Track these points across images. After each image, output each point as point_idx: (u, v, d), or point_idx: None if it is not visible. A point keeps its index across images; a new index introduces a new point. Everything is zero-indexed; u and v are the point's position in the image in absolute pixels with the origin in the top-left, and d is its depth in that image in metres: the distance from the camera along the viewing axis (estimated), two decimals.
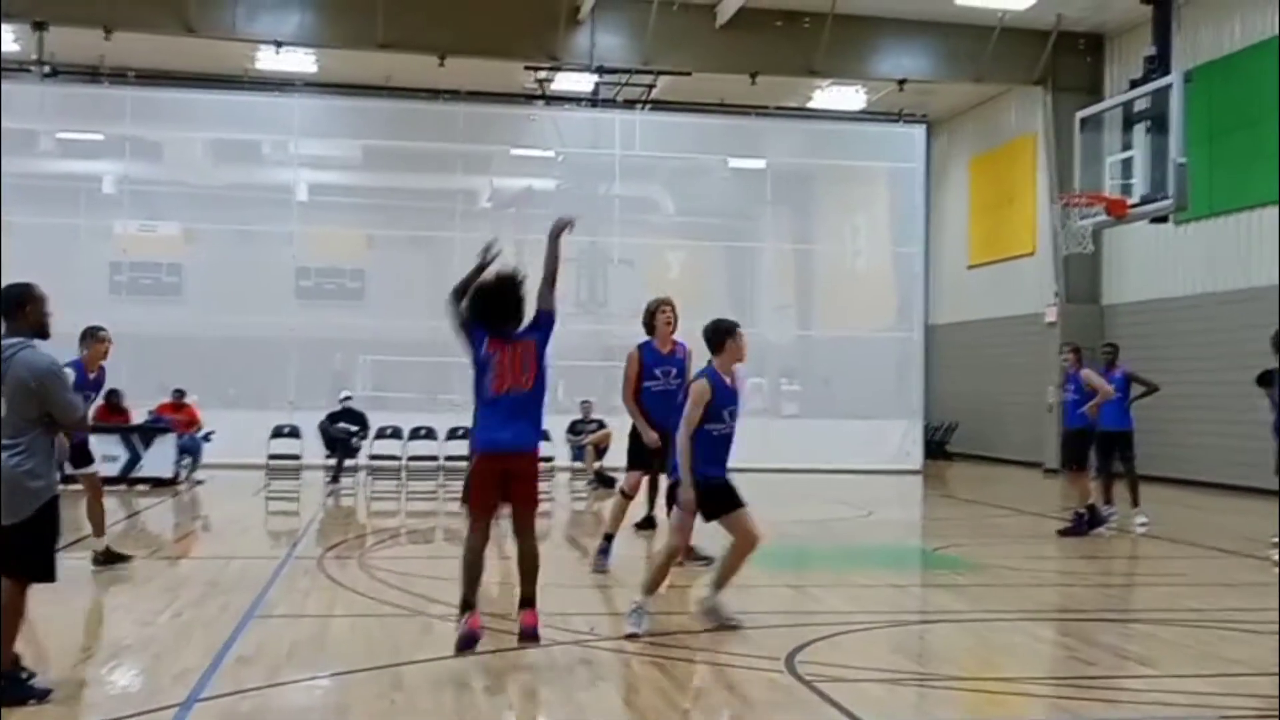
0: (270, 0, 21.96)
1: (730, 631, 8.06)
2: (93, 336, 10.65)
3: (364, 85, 25.36)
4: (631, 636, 7.75)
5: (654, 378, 11.00)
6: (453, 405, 23.42)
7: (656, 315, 11.28)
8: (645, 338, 11.32)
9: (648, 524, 12.78)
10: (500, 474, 7.04)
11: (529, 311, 7.25)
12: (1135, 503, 14.72)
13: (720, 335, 8.18)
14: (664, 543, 8.47)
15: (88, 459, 10.53)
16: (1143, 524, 14.41)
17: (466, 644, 6.94)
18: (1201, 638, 8.56)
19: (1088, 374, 14.21)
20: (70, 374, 10.07)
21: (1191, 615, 9.26)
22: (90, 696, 6.51)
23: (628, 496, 11.12)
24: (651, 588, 8.14)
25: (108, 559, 10.42)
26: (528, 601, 7.10)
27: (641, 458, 11.05)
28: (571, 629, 7.95)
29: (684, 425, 7.90)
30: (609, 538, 10.86)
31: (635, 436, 11.06)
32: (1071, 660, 7.85)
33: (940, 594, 10.65)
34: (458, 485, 18.58)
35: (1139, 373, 15.24)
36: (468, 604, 7.00)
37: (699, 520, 8.19)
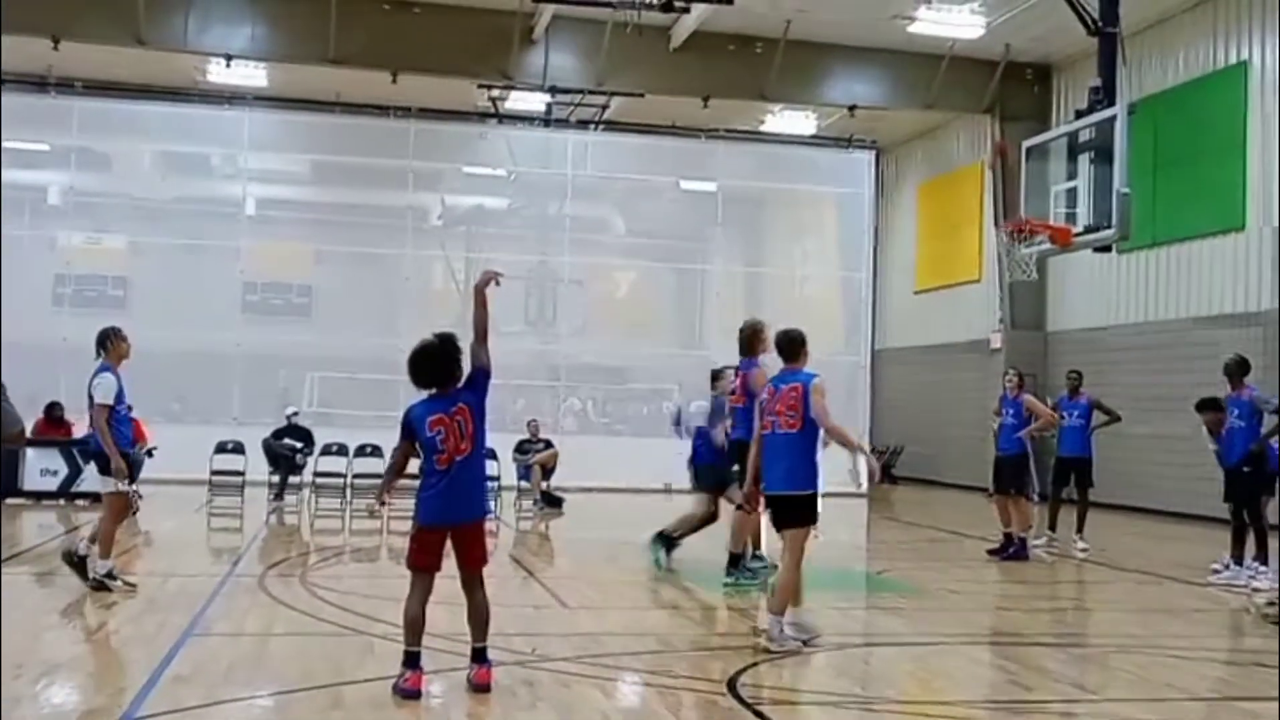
0: (221, 13, 21.80)
1: (672, 654, 8.05)
2: (116, 336, 10.33)
3: (315, 100, 25.24)
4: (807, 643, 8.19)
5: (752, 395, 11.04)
6: (399, 422, 23.28)
7: (761, 336, 11.41)
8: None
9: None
10: (444, 540, 7.01)
11: (466, 365, 7.28)
12: (1080, 529, 14.88)
13: (797, 345, 9.11)
14: (785, 562, 8.60)
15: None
16: (1082, 549, 14.56)
17: (407, 697, 6.76)
18: (1139, 663, 8.65)
19: (1030, 400, 14.41)
20: (112, 380, 9.95)
21: (1129, 640, 9.36)
22: (22, 715, 6.40)
23: (749, 512, 11.08)
24: (782, 607, 8.31)
25: (97, 585, 10.05)
26: (479, 656, 6.99)
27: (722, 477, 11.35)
28: (513, 650, 7.92)
29: (830, 418, 8.38)
30: (736, 557, 11.22)
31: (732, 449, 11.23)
32: (1011, 685, 7.91)
33: (883, 617, 10.70)
34: (404, 504, 18.52)
35: (1102, 401, 15.47)
36: (411, 659, 6.86)
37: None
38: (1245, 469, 12.34)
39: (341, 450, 19.94)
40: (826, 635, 9.41)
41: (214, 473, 19.42)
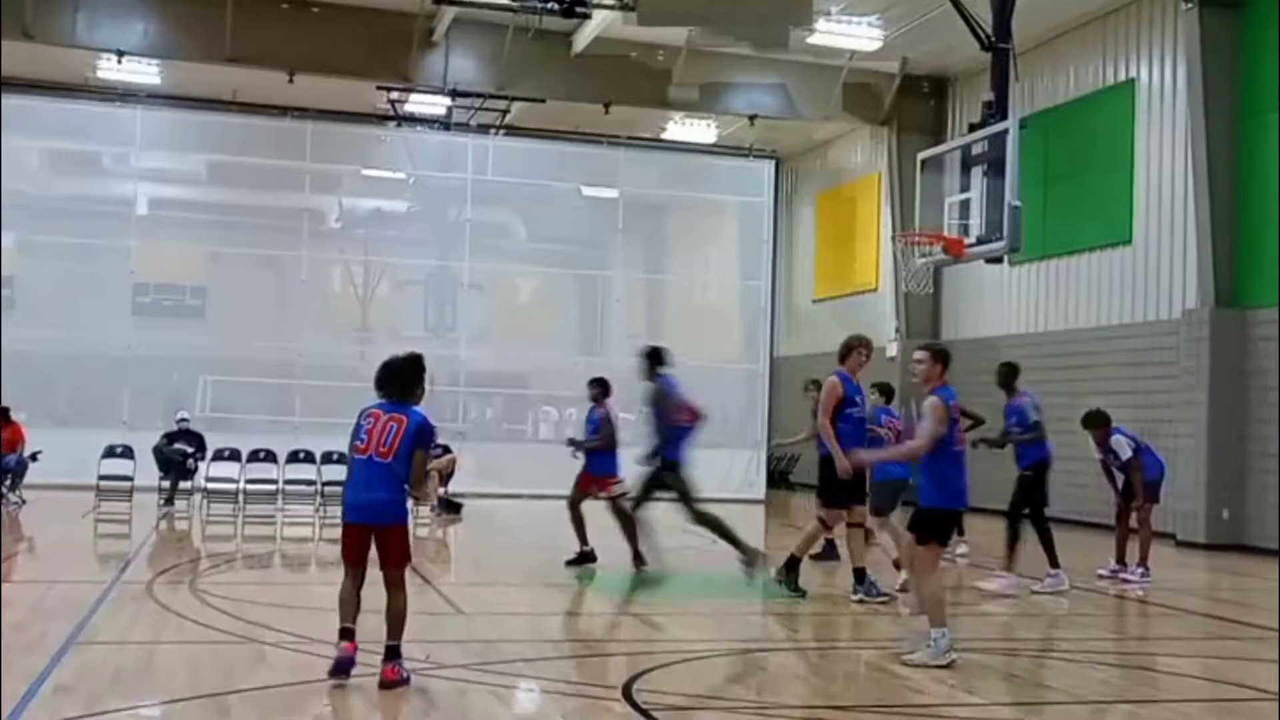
0: (112, 8, 21.34)
1: (568, 660, 8.03)
2: None
3: (210, 99, 24.81)
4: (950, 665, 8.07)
5: (854, 404, 11.13)
6: (294, 427, 23.04)
7: (859, 351, 11.57)
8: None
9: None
10: (366, 538, 7.21)
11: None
12: (961, 532, 15.10)
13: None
14: (921, 581, 8.62)
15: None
16: (962, 554, 14.77)
17: (338, 669, 7.01)
18: (1027, 666, 8.82)
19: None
20: None
21: (1018, 645, 9.53)
22: None
23: (828, 527, 11.22)
24: (939, 618, 8.29)
25: None
26: (392, 653, 7.08)
27: (841, 494, 11.04)
28: (408, 657, 7.84)
29: (931, 440, 8.57)
30: (861, 571, 11.09)
31: (833, 471, 10.90)
32: (903, 689, 8.00)
33: (779, 623, 10.78)
34: (298, 509, 18.30)
35: (967, 406, 15.66)
36: (345, 632, 7.09)
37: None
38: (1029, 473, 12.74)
39: (234, 455, 19.63)
40: (721, 641, 9.47)
41: (102, 477, 18.99)
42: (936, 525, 8.55)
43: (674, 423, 11.86)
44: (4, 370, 19.32)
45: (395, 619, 7.12)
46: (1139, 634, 10.19)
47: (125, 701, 6.80)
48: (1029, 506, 12.69)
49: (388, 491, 7.17)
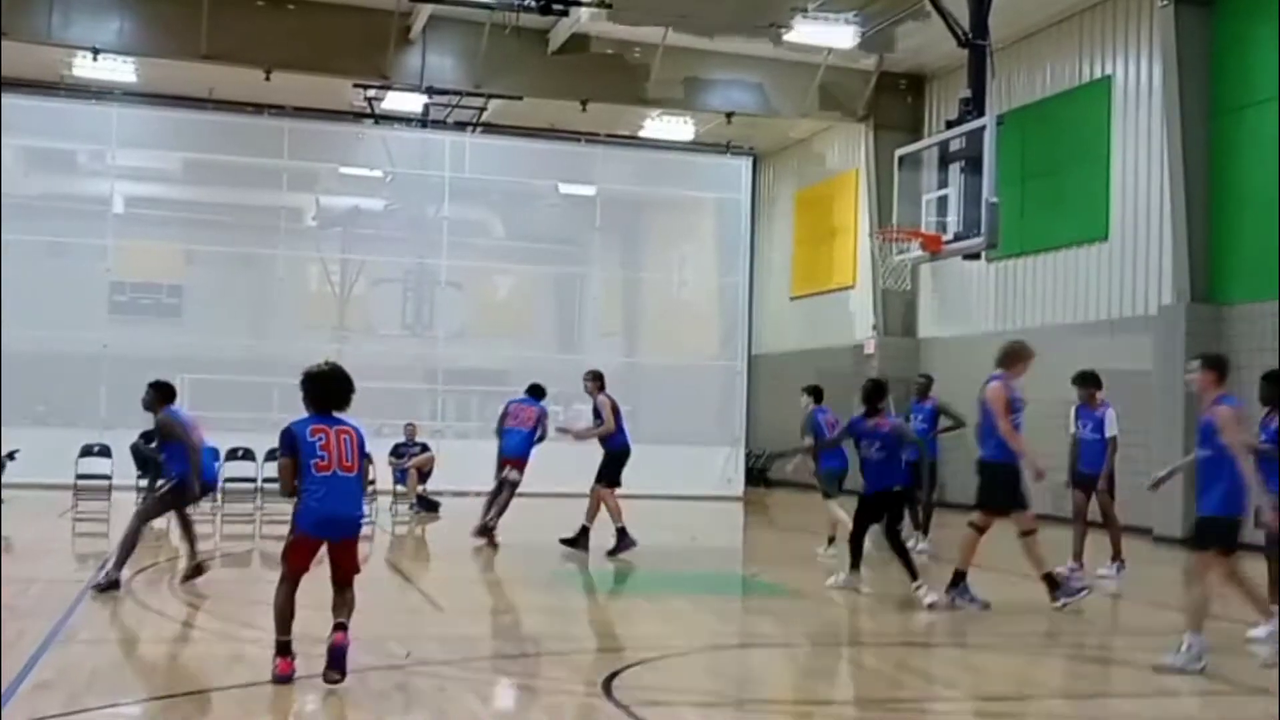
0: (88, 5, 21.21)
1: (549, 657, 8.03)
2: None
3: (186, 96, 24.68)
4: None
5: (1017, 410, 10.90)
6: (274, 425, 22.92)
7: (1024, 356, 11.27)
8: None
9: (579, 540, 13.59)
10: (319, 547, 7.21)
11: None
12: (925, 530, 15.19)
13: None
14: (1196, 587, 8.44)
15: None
16: (923, 549, 14.82)
17: (284, 682, 6.94)
18: (1009, 661, 8.86)
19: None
20: None
21: (996, 640, 9.58)
22: None
23: (981, 530, 10.92)
24: (1195, 623, 8.17)
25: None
26: (341, 627, 7.07)
27: (1002, 497, 10.82)
28: (387, 654, 7.84)
29: (1245, 448, 8.20)
30: (961, 575, 10.90)
31: (996, 472, 10.77)
32: (882, 684, 8.04)
33: (758, 619, 10.81)
34: (277, 508, 18.22)
35: (949, 406, 15.79)
36: (283, 647, 7.03)
37: None
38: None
39: (212, 454, 19.53)
40: (701, 637, 9.49)
41: (79, 477, 18.90)
42: (1219, 533, 8.30)
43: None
44: None
45: (350, 605, 7.16)
46: (1120, 629, 10.24)
47: (104, 699, 6.78)
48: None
49: (357, 506, 7.30)
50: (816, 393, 14.64)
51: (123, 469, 19.20)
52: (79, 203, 25.03)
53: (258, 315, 25.86)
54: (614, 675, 7.54)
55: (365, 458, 7.35)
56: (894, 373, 22.96)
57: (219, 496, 18.99)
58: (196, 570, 11.14)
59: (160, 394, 11.63)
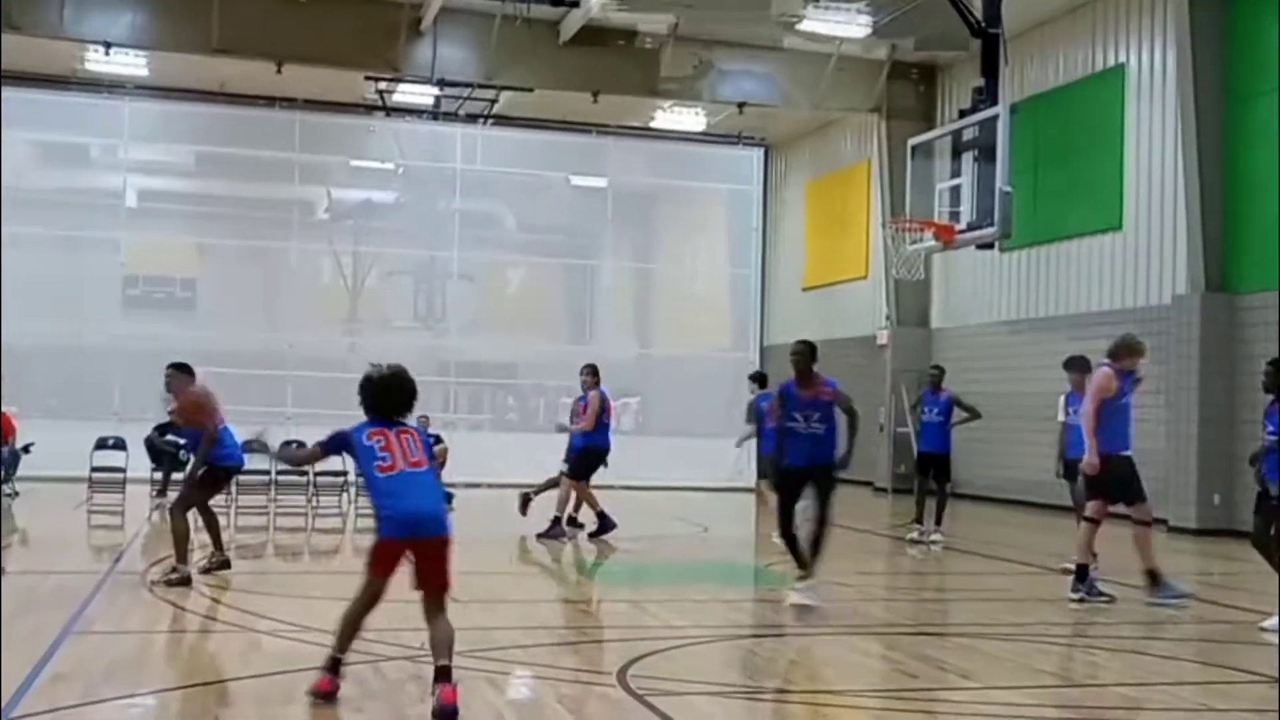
0: (100, 0, 21.30)
1: (563, 646, 8.04)
2: None
3: (198, 90, 24.75)
4: None
5: (1123, 394, 10.86)
6: (285, 418, 23.02)
7: (1135, 351, 11.10)
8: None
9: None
10: (402, 553, 6.60)
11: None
12: (938, 521, 15.17)
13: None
14: None
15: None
16: (935, 540, 14.82)
17: (319, 696, 6.48)
18: (1019, 650, 8.86)
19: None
20: None
21: (1009, 629, 9.57)
22: None
23: (1095, 523, 10.89)
24: None
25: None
26: (444, 674, 6.33)
27: (1113, 488, 10.81)
28: (402, 644, 7.86)
29: None
30: (1084, 569, 10.85)
31: (1111, 464, 10.76)
32: (895, 673, 8.04)
33: (770, 609, 10.80)
34: (291, 500, 18.29)
35: (962, 397, 15.78)
36: (333, 664, 6.55)
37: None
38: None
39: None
40: (714, 627, 9.50)
41: (94, 469, 18.97)
42: None
43: None
44: None
45: (445, 639, 6.45)
46: (1131, 618, 10.22)
47: (122, 690, 6.81)
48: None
49: (439, 503, 6.71)
50: (760, 379, 15.66)
51: (137, 462, 19.26)
52: (92, 197, 25.15)
53: (270, 308, 25.93)
54: (628, 665, 7.55)
55: (432, 458, 6.80)
56: (908, 364, 22.98)
57: (233, 489, 19.07)
58: (222, 564, 11.17)
59: (183, 374, 11.51)
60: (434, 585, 6.53)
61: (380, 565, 6.59)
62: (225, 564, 11.22)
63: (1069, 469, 13.24)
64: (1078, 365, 13.13)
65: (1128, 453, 10.69)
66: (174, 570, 10.49)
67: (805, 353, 10.66)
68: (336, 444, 6.76)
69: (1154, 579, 10.74)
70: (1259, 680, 7.72)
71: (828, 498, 10.23)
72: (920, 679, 7.75)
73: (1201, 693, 7.55)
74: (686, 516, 18.67)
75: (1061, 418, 13.33)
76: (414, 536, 6.52)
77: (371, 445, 6.61)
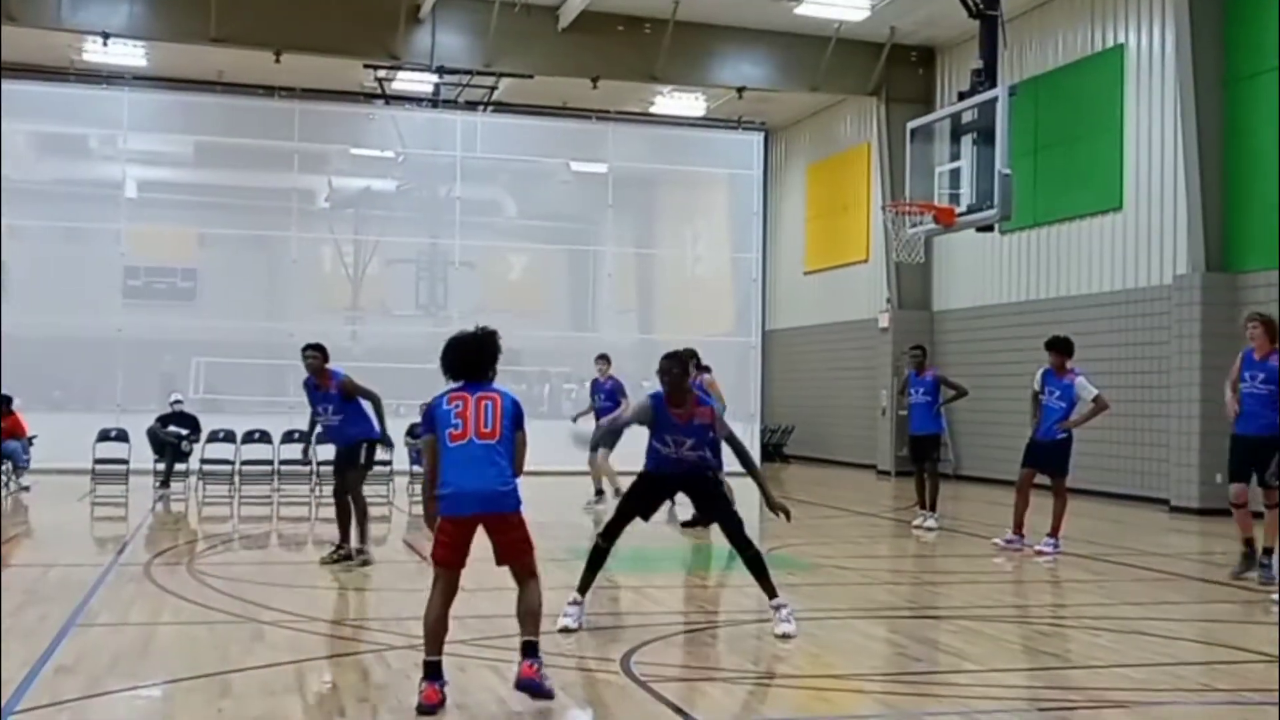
0: None
1: (564, 634, 8.05)
2: None
3: (196, 80, 24.73)
4: None
5: (1245, 381, 10.91)
6: (289, 407, 23.02)
7: (1253, 325, 11.08)
8: None
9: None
10: (472, 533, 6.40)
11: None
12: (932, 505, 15.15)
13: None
14: None
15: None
16: (930, 528, 14.80)
17: (424, 712, 6.13)
18: (1022, 633, 8.88)
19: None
20: None
21: (1012, 611, 9.59)
22: None
23: (1240, 507, 10.89)
24: None
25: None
26: (525, 649, 6.31)
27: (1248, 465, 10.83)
28: (408, 634, 7.87)
29: None
30: (1269, 552, 10.73)
31: (1235, 444, 10.90)
32: (899, 656, 8.05)
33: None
34: (294, 489, 18.32)
35: (951, 377, 15.79)
36: (433, 669, 6.25)
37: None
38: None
39: (229, 437, 19.62)
40: (718, 613, 9.51)
41: (97, 461, 18.99)
42: None
43: None
44: None
45: (527, 611, 6.38)
46: (1133, 599, 10.23)
47: (125, 682, 6.83)
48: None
49: (499, 478, 6.33)
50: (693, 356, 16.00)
51: (140, 453, 19.29)
52: (92, 187, 25.12)
53: (271, 297, 25.91)
54: (632, 651, 7.56)
55: (515, 427, 6.42)
56: (910, 346, 23.01)
57: (236, 479, 19.11)
58: (345, 557, 11.14)
59: (325, 354, 11.40)
60: (505, 560, 6.43)
61: (440, 549, 6.37)
62: (348, 557, 11.16)
63: (1033, 451, 13.17)
64: (1059, 346, 13.10)
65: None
66: (360, 550, 10.87)
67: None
68: (428, 419, 6.50)
69: (1268, 555, 10.77)
70: (1262, 660, 7.73)
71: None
72: (924, 662, 7.77)
73: (1204, 673, 7.56)
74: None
75: (1035, 387, 13.21)
76: (469, 514, 6.30)
77: (449, 410, 6.38)
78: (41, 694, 6.39)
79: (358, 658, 7.40)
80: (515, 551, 6.43)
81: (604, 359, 17.67)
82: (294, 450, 19.77)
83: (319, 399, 11.35)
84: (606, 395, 17.09)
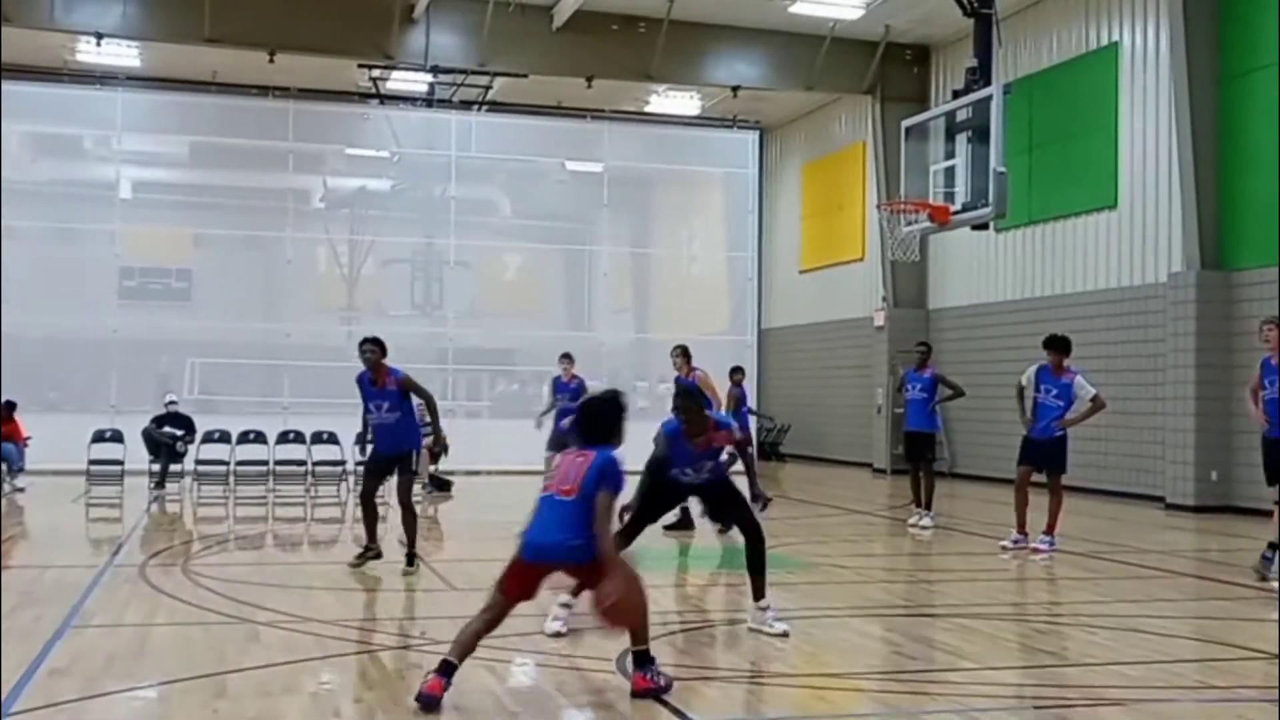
0: None
1: (566, 634, 8.04)
2: None
3: (190, 80, 24.69)
4: None
5: (1265, 387, 10.90)
6: (284, 408, 23.04)
7: (1266, 329, 11.10)
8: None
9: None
10: (537, 578, 6.64)
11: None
12: (928, 504, 15.14)
13: None
14: None
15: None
16: (925, 526, 14.80)
17: (422, 703, 6.23)
18: (1018, 631, 8.88)
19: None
20: None
21: (1008, 609, 9.59)
22: None
23: None
24: None
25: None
26: (639, 660, 6.57)
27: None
28: (402, 633, 7.87)
29: None
30: (1274, 546, 10.75)
31: (1269, 448, 10.87)
32: (895, 655, 8.05)
33: (771, 592, 10.79)
34: (289, 490, 18.32)
35: (949, 375, 15.79)
36: (445, 666, 6.34)
37: None
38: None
39: (224, 437, 19.62)
40: (713, 613, 9.50)
41: (92, 462, 18.99)
42: None
43: None
44: None
45: (629, 622, 6.63)
46: (1129, 597, 10.24)
47: (121, 683, 6.82)
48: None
49: (564, 532, 6.46)
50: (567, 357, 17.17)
51: (135, 454, 19.28)
52: (86, 188, 25.13)
53: (267, 298, 25.90)
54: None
55: (599, 487, 6.48)
56: (905, 345, 22.98)
57: (231, 480, 19.09)
58: (376, 555, 11.07)
59: (383, 349, 11.15)
60: (593, 595, 6.60)
61: (506, 580, 6.62)
62: (378, 555, 11.10)
63: (1030, 449, 13.13)
64: (1057, 345, 13.09)
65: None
66: (410, 556, 10.84)
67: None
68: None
69: (1271, 549, 10.78)
70: (1259, 657, 7.74)
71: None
72: (920, 660, 7.77)
73: (1201, 670, 7.56)
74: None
75: (1025, 382, 13.16)
76: (529, 560, 6.58)
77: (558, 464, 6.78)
78: (37, 695, 6.37)
79: (352, 658, 7.38)
80: (600, 599, 6.54)
81: (568, 357, 17.42)
82: (289, 451, 19.86)
83: (374, 395, 10.97)
84: (572, 396, 16.33)
